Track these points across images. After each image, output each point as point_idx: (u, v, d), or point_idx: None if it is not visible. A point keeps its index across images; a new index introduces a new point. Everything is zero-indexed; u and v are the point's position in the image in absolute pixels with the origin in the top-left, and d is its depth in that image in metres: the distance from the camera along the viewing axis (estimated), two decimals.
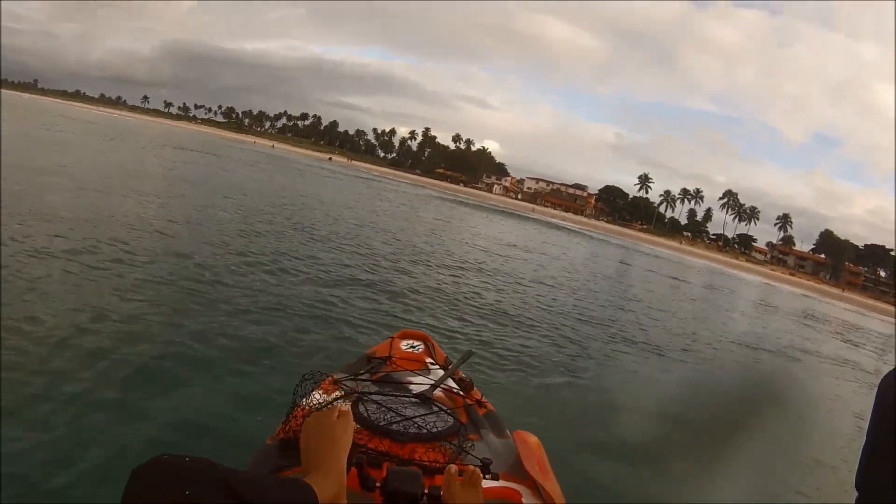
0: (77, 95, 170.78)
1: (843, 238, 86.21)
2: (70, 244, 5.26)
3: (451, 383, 1.72)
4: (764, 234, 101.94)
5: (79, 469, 2.13)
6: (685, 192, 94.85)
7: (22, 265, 4.33)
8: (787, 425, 5.16)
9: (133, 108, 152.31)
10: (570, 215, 76.58)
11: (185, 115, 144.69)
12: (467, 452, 1.32)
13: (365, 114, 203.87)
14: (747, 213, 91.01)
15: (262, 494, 0.56)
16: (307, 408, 1.32)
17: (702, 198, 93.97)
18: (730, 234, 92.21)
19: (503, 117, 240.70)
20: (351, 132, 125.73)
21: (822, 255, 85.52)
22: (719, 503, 3.14)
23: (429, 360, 1.92)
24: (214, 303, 4.53)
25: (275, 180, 21.91)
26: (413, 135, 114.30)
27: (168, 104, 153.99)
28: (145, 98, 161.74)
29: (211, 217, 9.05)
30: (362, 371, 1.75)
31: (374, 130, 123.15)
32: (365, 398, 1.47)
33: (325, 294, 5.59)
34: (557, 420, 3.75)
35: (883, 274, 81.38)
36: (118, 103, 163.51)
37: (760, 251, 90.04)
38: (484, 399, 1.70)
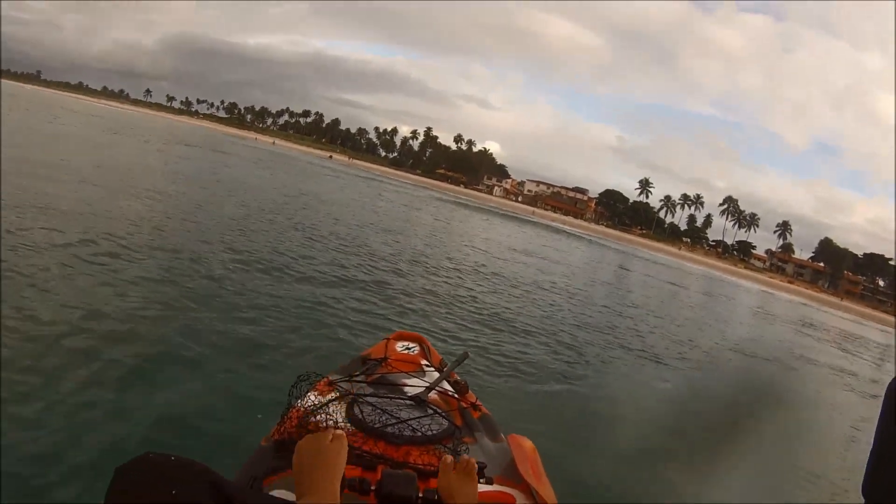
0: (80, 88, 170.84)
1: (842, 247, 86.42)
2: (67, 238, 5.25)
3: (446, 386, 1.72)
4: (763, 241, 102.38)
5: (69, 467, 2.12)
6: (685, 197, 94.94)
7: (19, 259, 4.33)
8: (782, 433, 5.17)
9: (136, 102, 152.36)
10: (569, 219, 76.52)
11: (187, 109, 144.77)
12: (462, 455, 1.31)
13: (367, 111, 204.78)
14: (747, 220, 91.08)
15: None
16: (302, 409, 1.32)
17: (702, 203, 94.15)
18: (729, 241, 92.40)
19: (504, 117, 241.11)
20: (353, 130, 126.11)
21: (821, 264, 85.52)
22: None
23: (424, 362, 1.91)
24: (210, 301, 4.52)
25: (276, 178, 21.91)
26: (415, 134, 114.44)
27: (171, 98, 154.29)
28: (148, 92, 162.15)
29: (209, 215, 9.05)
30: (357, 372, 1.74)
31: (376, 129, 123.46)
32: (360, 400, 1.46)
33: (321, 294, 5.59)
34: (552, 424, 3.74)
35: (881, 283, 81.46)
36: (121, 97, 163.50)
37: (759, 258, 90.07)
38: (479, 402, 1.69)
